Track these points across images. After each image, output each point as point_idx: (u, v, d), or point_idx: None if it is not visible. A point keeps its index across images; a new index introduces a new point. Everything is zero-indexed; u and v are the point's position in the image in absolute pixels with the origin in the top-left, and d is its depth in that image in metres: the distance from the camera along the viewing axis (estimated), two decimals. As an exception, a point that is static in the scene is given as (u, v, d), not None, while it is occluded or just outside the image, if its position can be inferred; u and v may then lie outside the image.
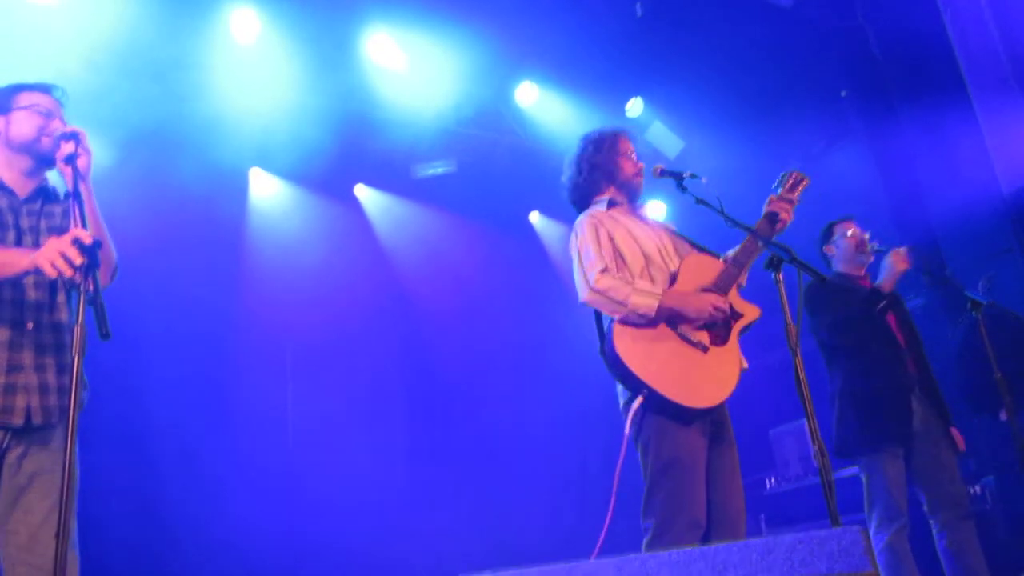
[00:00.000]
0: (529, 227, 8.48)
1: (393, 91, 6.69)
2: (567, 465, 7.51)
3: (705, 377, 3.02)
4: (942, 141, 6.24)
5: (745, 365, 3.21)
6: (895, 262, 4.03)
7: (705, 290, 3.12)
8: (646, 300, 3.03)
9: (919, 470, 3.97)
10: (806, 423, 2.68)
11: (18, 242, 2.71)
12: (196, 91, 6.05)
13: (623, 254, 3.24)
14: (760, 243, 3.16)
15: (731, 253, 3.27)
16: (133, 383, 5.74)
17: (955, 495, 3.91)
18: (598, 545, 2.95)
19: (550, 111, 7.45)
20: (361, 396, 7.03)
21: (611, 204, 3.44)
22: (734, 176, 7.02)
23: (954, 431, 4.05)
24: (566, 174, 3.66)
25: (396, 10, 6.34)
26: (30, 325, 2.66)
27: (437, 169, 7.43)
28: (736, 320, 3.16)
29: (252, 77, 6.14)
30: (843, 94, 7.31)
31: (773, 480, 6.33)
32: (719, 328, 3.12)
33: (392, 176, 7.56)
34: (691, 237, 3.48)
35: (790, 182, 3.39)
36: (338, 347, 7.03)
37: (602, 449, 7.75)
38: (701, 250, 3.38)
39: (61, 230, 2.80)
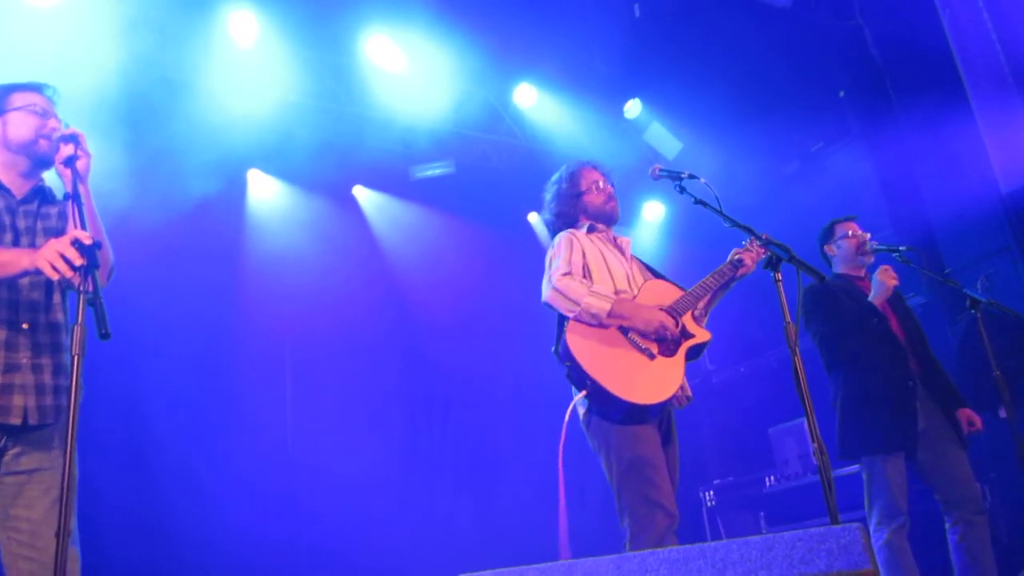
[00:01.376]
0: (528, 228, 8.48)
1: (391, 93, 6.69)
2: (566, 464, 7.50)
3: (646, 378, 3.22)
4: (940, 141, 6.24)
5: (691, 395, 3.40)
6: (884, 280, 4.04)
7: (663, 310, 3.34)
8: (599, 302, 3.25)
9: (929, 469, 3.96)
10: (805, 421, 2.68)
11: (15, 243, 2.71)
12: (195, 93, 6.05)
13: (591, 272, 3.45)
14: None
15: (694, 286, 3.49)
16: (132, 384, 5.74)
17: (968, 491, 3.90)
18: (563, 546, 3.20)
19: (548, 113, 7.46)
20: (360, 397, 7.03)
21: (591, 229, 3.65)
22: (733, 176, 7.04)
23: (966, 412, 4.04)
24: (543, 215, 3.88)
25: (395, 12, 6.34)
26: (26, 325, 2.66)
27: (435, 170, 7.43)
28: (686, 339, 3.35)
29: (250, 79, 6.14)
30: (841, 94, 7.32)
31: (773, 478, 6.34)
32: (668, 343, 3.31)
33: (390, 177, 7.57)
34: (660, 272, 3.68)
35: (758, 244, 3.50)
36: (337, 349, 7.03)
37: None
38: (666, 281, 3.59)
39: (57, 231, 2.80)
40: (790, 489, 6.17)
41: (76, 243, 2.36)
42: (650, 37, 6.92)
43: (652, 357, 3.26)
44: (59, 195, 2.91)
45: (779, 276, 2.89)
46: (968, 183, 6.02)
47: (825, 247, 4.42)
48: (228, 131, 6.25)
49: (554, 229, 3.74)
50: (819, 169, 7.56)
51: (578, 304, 3.25)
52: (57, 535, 2.15)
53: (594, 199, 3.70)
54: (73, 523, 2.56)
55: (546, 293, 3.38)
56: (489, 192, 7.71)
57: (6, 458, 2.58)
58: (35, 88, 2.89)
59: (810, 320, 4.15)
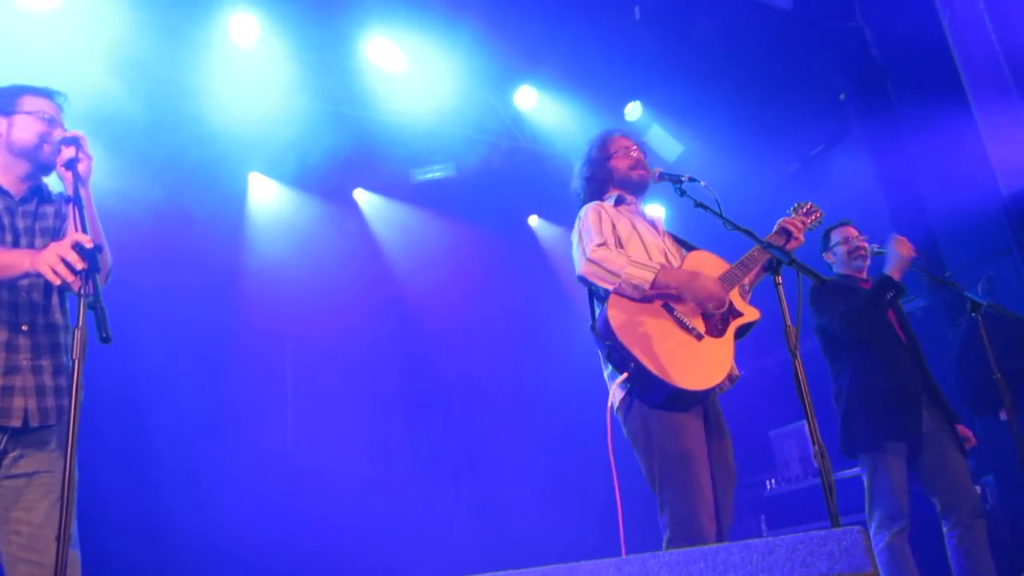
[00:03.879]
0: (528, 231, 8.48)
1: (392, 95, 6.70)
2: (567, 467, 7.50)
3: (695, 362, 2.95)
4: (941, 143, 6.24)
5: (737, 374, 3.17)
6: (900, 249, 4.01)
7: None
8: (641, 272, 2.99)
9: (929, 472, 3.96)
10: (806, 424, 2.68)
11: (15, 244, 2.72)
12: (196, 95, 6.05)
13: (624, 245, 3.20)
14: (768, 251, 3.02)
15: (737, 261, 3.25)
16: (133, 386, 5.75)
17: (967, 496, 3.90)
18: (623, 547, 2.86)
19: (549, 115, 7.46)
20: (360, 400, 7.03)
21: (619, 201, 3.41)
22: (733, 179, 7.03)
23: (961, 428, 4.04)
24: (573, 186, 3.59)
25: (395, 14, 6.34)
26: (25, 327, 2.66)
27: (436, 173, 7.43)
28: (735, 317, 3.12)
29: (251, 81, 6.14)
30: (842, 96, 7.32)
31: (773, 481, 6.34)
32: (716, 320, 3.08)
33: (391, 180, 7.57)
34: (694, 243, 3.47)
35: (805, 208, 3.48)
36: (337, 351, 7.03)
37: (602, 451, 7.74)
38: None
39: (54, 231, 2.82)
40: (791, 492, 6.16)
41: (77, 247, 2.37)
42: (651, 39, 6.92)
43: (700, 337, 3.01)
44: (55, 194, 2.93)
45: (779, 279, 2.88)
46: (969, 185, 6.02)
47: (824, 254, 4.44)
48: (229, 134, 6.26)
49: (583, 198, 3.47)
50: (820, 171, 7.57)
51: (618, 275, 2.99)
52: (58, 539, 2.15)
53: (620, 163, 3.44)
54: (73, 526, 2.56)
55: (580, 266, 3.09)
56: (490, 195, 7.71)
57: (5, 461, 2.58)
58: (47, 94, 2.89)
59: (823, 307, 4.13)
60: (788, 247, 3.25)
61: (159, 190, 6.00)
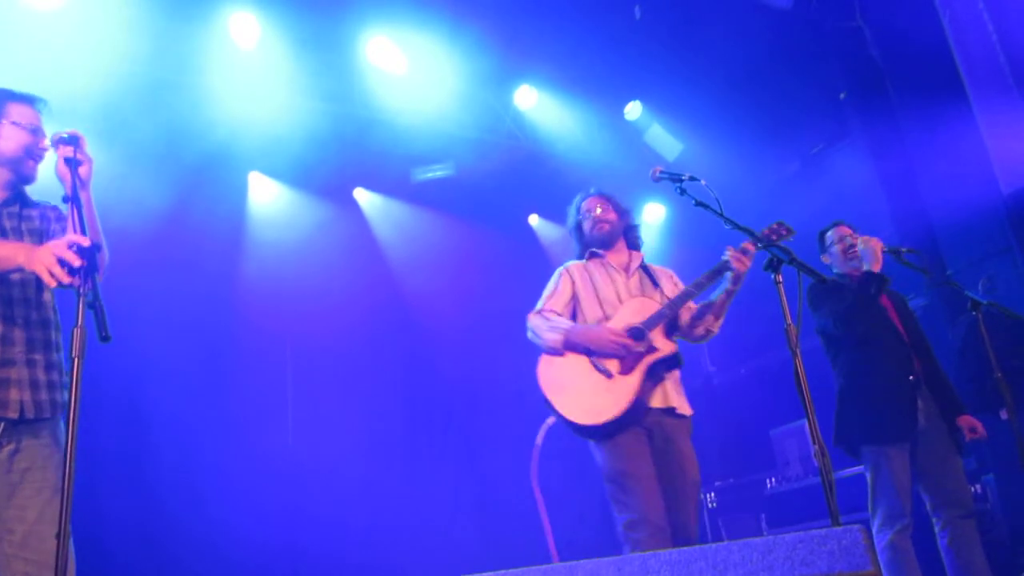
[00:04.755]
0: (528, 230, 8.48)
1: (392, 95, 6.70)
2: (567, 466, 7.51)
3: (598, 399, 3.40)
4: (941, 142, 6.24)
5: (672, 405, 3.48)
6: (869, 247, 4.05)
7: (631, 328, 3.48)
8: (554, 335, 3.54)
9: (923, 468, 3.96)
10: (807, 423, 2.68)
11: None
12: (196, 95, 6.05)
13: (582, 303, 3.71)
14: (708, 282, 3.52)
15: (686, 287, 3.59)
16: (132, 386, 5.75)
17: (958, 494, 3.90)
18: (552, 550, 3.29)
19: (549, 114, 7.46)
20: (361, 399, 7.03)
21: (591, 256, 3.86)
22: (733, 178, 7.03)
23: (968, 419, 4.03)
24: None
25: (395, 14, 6.34)
26: (20, 321, 2.68)
27: (436, 172, 7.43)
28: (650, 353, 3.45)
29: (252, 81, 6.14)
30: (842, 95, 7.32)
31: (774, 480, 6.34)
32: (629, 360, 3.44)
33: (391, 180, 7.57)
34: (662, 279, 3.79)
35: (772, 227, 3.56)
36: (338, 351, 7.03)
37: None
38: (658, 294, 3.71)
39: (41, 232, 2.84)
40: (791, 491, 6.16)
41: (74, 247, 2.36)
42: (651, 39, 6.92)
43: (610, 376, 3.43)
44: (38, 201, 2.94)
45: (780, 278, 2.88)
46: (969, 184, 6.02)
47: (822, 256, 4.44)
48: (229, 133, 6.26)
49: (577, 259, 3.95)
50: (820, 170, 7.57)
51: (540, 338, 3.59)
52: (57, 537, 2.15)
53: (586, 227, 3.88)
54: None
55: (528, 331, 3.70)
56: (490, 194, 7.71)
57: (1, 455, 2.60)
58: (32, 102, 2.88)
59: (819, 305, 4.15)
60: (737, 272, 3.47)
61: (159, 190, 6.00)
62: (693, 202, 3.22)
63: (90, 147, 2.73)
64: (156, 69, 5.83)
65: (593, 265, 3.81)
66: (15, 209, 2.84)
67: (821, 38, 7.12)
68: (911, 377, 3.99)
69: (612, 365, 3.44)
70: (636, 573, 1.97)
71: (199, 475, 5.85)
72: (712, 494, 6.84)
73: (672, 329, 3.59)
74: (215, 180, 6.52)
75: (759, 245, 3.33)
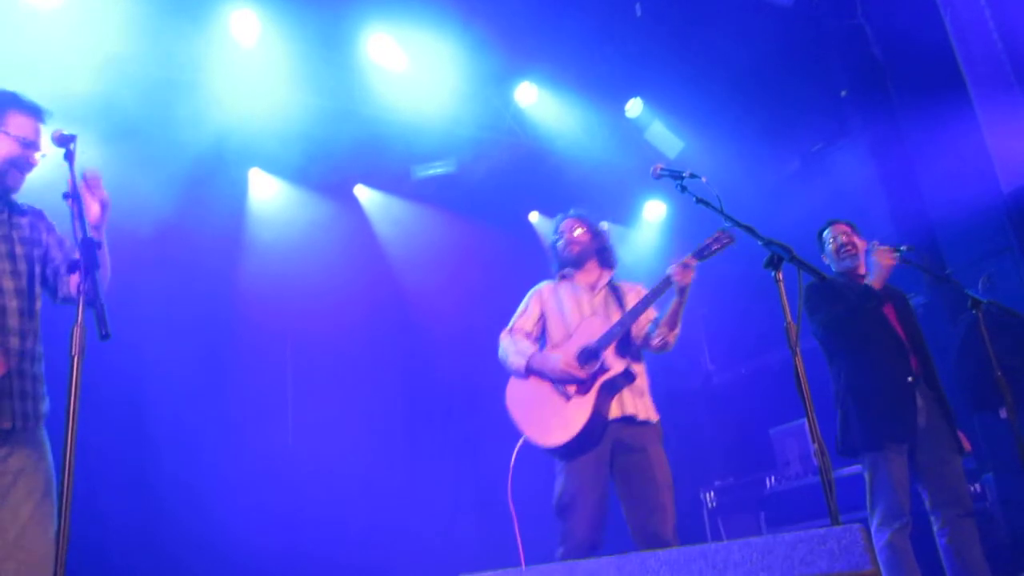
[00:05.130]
0: (529, 227, 8.48)
1: (392, 92, 6.69)
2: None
3: (557, 421, 3.65)
4: (941, 140, 6.24)
5: (631, 413, 3.67)
6: (879, 259, 4.03)
7: (584, 349, 3.72)
8: (518, 360, 3.84)
9: (922, 467, 3.95)
10: (806, 422, 2.68)
11: None
12: (196, 92, 6.04)
13: (549, 322, 3.99)
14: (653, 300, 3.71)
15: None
16: (132, 385, 5.75)
17: (958, 493, 3.89)
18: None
19: (550, 111, 7.45)
20: (361, 396, 7.02)
21: (562, 277, 4.11)
22: (734, 176, 7.03)
23: (959, 434, 4.04)
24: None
25: (396, 11, 6.34)
26: (15, 333, 2.70)
27: (437, 169, 7.42)
28: (603, 373, 3.65)
29: (252, 78, 6.13)
30: (843, 93, 7.31)
31: (773, 479, 6.34)
32: (584, 382, 3.67)
33: (392, 177, 7.56)
34: (626, 295, 3.98)
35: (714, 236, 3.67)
36: (338, 349, 7.02)
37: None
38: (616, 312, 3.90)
39: (31, 240, 2.87)
40: (791, 490, 6.16)
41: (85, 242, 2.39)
42: (651, 36, 6.92)
43: (568, 398, 3.68)
44: (26, 206, 2.96)
45: (780, 276, 2.88)
46: (969, 182, 6.01)
47: (822, 257, 4.44)
48: (230, 130, 6.25)
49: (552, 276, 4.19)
50: (820, 168, 7.56)
51: (507, 362, 3.90)
52: (57, 535, 2.16)
53: (560, 246, 4.11)
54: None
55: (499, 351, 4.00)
56: (490, 191, 7.71)
57: None
58: (34, 113, 2.87)
59: (813, 310, 4.14)
60: (680, 285, 3.63)
61: (159, 187, 5.99)
62: (694, 199, 3.21)
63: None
64: (156, 67, 5.82)
65: (562, 286, 4.06)
66: (4, 216, 2.84)
67: (822, 36, 7.11)
68: (909, 378, 3.98)
69: (571, 387, 3.70)
70: (636, 573, 1.97)
71: (199, 474, 5.85)
72: (711, 493, 6.83)
73: (626, 346, 3.78)
74: (215, 177, 6.52)
75: (701, 256, 3.61)
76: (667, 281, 3.64)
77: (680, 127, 7.77)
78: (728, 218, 3.13)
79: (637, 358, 3.86)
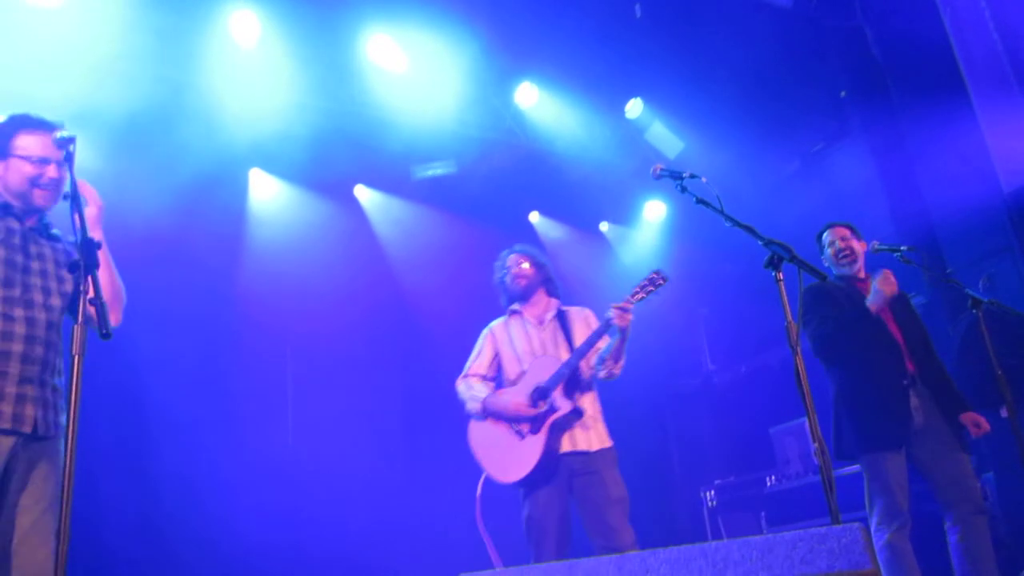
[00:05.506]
0: (529, 228, 8.48)
1: (393, 92, 6.69)
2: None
3: (512, 459, 3.98)
4: (941, 140, 6.24)
5: (583, 449, 3.99)
6: (882, 288, 3.98)
7: (536, 388, 4.03)
8: (474, 404, 4.18)
9: (928, 467, 3.94)
10: (806, 421, 2.68)
11: (26, 265, 2.84)
12: (196, 93, 6.04)
13: (503, 360, 4.29)
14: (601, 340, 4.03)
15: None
16: (132, 385, 5.75)
17: (965, 490, 3.88)
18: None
19: (550, 112, 7.45)
20: (361, 398, 7.02)
21: (511, 313, 4.39)
22: (734, 176, 7.03)
23: (971, 416, 4.01)
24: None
25: (396, 12, 6.34)
26: (40, 344, 2.79)
27: (437, 170, 7.42)
28: (552, 413, 3.95)
29: (252, 78, 6.13)
30: (843, 94, 7.32)
31: (774, 478, 6.34)
32: (536, 421, 3.98)
33: (392, 177, 7.56)
34: (573, 325, 4.28)
35: (647, 279, 4.01)
36: (338, 349, 7.02)
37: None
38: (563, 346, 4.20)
39: (64, 264, 2.95)
40: (791, 489, 6.16)
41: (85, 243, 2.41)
42: (651, 37, 6.91)
43: (523, 436, 4.00)
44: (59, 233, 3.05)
45: (780, 276, 2.88)
46: (970, 182, 6.02)
47: (822, 259, 4.43)
48: (230, 131, 6.25)
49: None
50: (820, 168, 7.57)
51: (465, 407, 4.23)
52: (57, 535, 2.18)
53: (506, 282, 4.40)
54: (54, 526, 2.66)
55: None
56: (491, 192, 7.70)
57: (12, 464, 2.69)
58: (43, 129, 2.90)
59: (806, 320, 4.14)
60: (619, 327, 3.91)
61: (159, 187, 5.99)
62: (694, 200, 3.22)
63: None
64: (156, 67, 5.82)
65: (512, 323, 4.35)
66: (38, 235, 2.95)
67: (822, 36, 7.11)
68: (904, 381, 3.97)
69: (524, 426, 4.02)
70: (636, 571, 1.97)
71: (199, 474, 5.85)
72: (712, 492, 6.84)
73: (574, 384, 4.05)
74: (215, 177, 6.51)
75: (635, 299, 3.93)
76: (607, 323, 3.93)
77: (680, 128, 7.77)
78: (728, 218, 3.13)
79: (588, 389, 4.14)
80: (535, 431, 3.97)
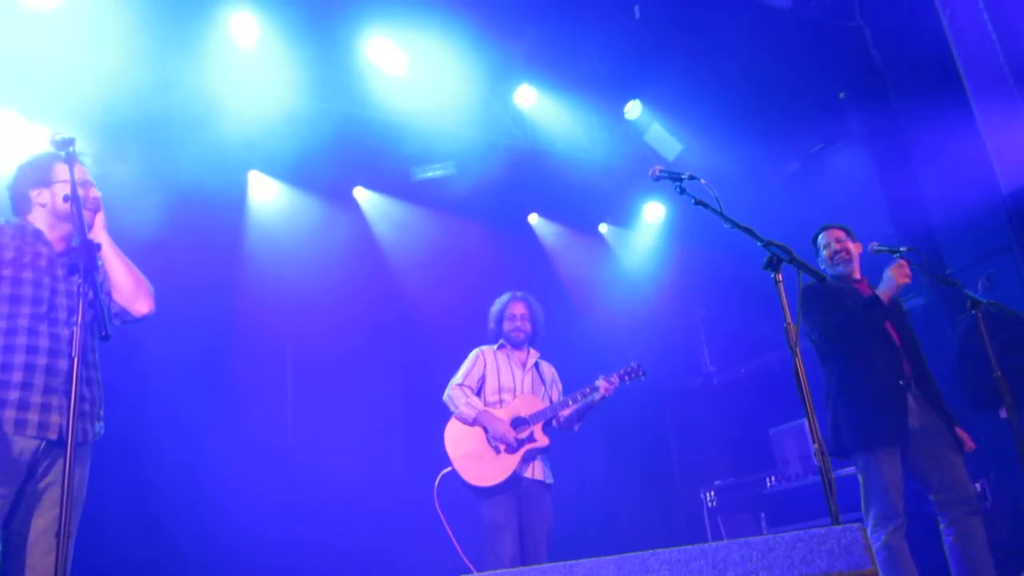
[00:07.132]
0: (528, 229, 8.48)
1: (392, 94, 6.69)
2: (566, 465, 7.51)
3: (485, 467, 4.72)
4: (940, 141, 6.25)
5: (548, 481, 4.91)
6: (895, 275, 4.00)
7: (517, 418, 4.86)
8: (469, 411, 4.87)
9: (923, 468, 3.95)
10: (806, 422, 2.68)
11: (53, 288, 2.99)
12: (196, 95, 6.04)
13: (486, 383, 5.01)
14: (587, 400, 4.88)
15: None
16: (132, 385, 5.74)
17: (961, 491, 3.89)
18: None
19: (549, 114, 7.45)
20: (360, 399, 7.03)
21: (501, 346, 5.18)
22: (733, 177, 7.03)
23: (960, 431, 4.04)
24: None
25: (395, 13, 6.34)
26: (64, 358, 2.89)
27: (436, 172, 7.42)
28: (529, 443, 4.80)
29: (251, 80, 6.13)
30: (841, 95, 7.32)
31: (773, 479, 6.34)
32: (515, 445, 4.77)
33: (391, 179, 7.56)
34: (549, 380, 5.19)
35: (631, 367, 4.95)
36: (337, 350, 7.02)
37: (600, 449, 7.75)
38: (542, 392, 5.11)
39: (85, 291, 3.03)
40: (791, 490, 6.16)
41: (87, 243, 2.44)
42: (650, 38, 6.91)
43: (498, 452, 4.75)
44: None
45: (779, 277, 2.89)
46: (969, 183, 6.02)
47: (818, 261, 4.44)
48: (229, 133, 6.24)
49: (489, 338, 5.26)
50: (819, 169, 7.57)
51: (456, 408, 4.90)
52: (57, 535, 2.20)
53: (506, 327, 5.16)
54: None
55: (444, 394, 5.02)
56: (490, 193, 7.70)
57: (34, 468, 2.79)
58: (68, 155, 2.97)
59: (807, 314, 4.15)
60: (603, 395, 4.82)
61: (158, 189, 5.99)
62: (693, 201, 3.22)
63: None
64: (155, 69, 5.81)
65: (500, 355, 5.13)
66: (65, 262, 3.06)
67: (821, 38, 7.11)
68: (900, 381, 3.98)
69: (503, 445, 4.76)
70: (636, 572, 1.97)
71: (199, 474, 5.85)
72: (712, 493, 6.83)
73: (547, 425, 4.89)
74: (214, 179, 6.51)
75: (622, 380, 4.85)
76: (594, 388, 4.81)
77: (679, 129, 7.77)
78: (727, 219, 3.13)
79: (551, 433, 4.97)
80: (511, 452, 4.75)
